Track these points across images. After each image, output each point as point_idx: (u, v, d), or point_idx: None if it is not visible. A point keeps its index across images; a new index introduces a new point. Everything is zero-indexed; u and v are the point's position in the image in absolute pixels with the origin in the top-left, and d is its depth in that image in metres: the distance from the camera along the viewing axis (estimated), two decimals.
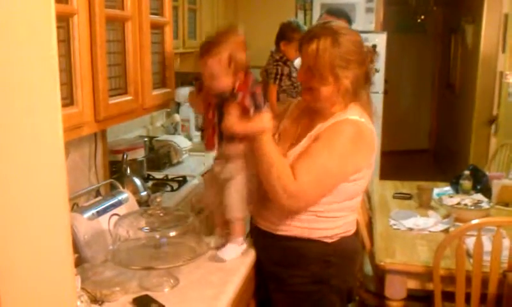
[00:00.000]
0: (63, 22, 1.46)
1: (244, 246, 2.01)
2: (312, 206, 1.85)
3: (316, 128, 1.87)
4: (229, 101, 1.83)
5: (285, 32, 3.37)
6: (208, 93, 1.89)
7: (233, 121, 1.82)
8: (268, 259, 2.00)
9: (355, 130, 1.83)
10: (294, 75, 3.25)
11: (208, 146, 1.94)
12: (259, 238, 2.02)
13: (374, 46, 1.93)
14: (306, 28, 3.30)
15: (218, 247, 1.99)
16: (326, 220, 1.88)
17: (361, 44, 1.87)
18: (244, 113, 1.82)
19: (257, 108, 1.83)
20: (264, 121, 1.82)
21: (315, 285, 1.92)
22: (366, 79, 1.90)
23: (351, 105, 1.87)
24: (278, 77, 3.21)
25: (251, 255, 2.01)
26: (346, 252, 1.96)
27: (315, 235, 1.89)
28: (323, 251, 1.90)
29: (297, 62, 3.38)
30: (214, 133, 1.90)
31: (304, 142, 1.88)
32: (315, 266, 1.91)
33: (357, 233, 2.05)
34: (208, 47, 1.83)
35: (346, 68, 1.81)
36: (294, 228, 1.89)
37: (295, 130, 1.98)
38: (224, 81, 1.83)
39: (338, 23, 1.93)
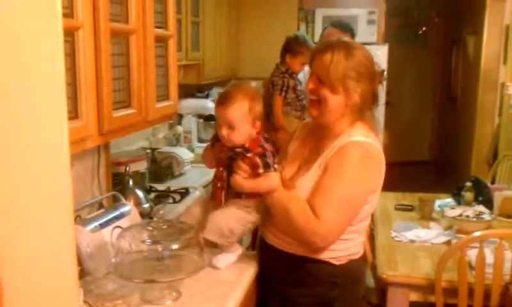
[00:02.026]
0: (68, 36, 1.48)
1: (239, 251, 2.02)
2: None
3: (323, 155, 1.85)
4: (239, 157, 1.85)
5: (291, 46, 3.38)
6: (221, 148, 1.91)
7: (242, 178, 1.84)
8: (273, 275, 1.99)
9: (362, 151, 1.82)
10: (299, 88, 3.26)
11: (216, 202, 1.95)
12: (265, 251, 2.01)
13: (383, 70, 1.93)
14: (311, 42, 3.31)
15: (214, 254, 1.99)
16: (339, 242, 1.86)
17: (372, 61, 1.89)
18: (254, 170, 1.83)
19: (266, 166, 1.82)
20: (271, 180, 1.83)
21: (318, 306, 1.90)
22: (373, 99, 1.89)
23: (357, 124, 1.86)
24: (284, 89, 3.22)
25: (253, 268, 2.01)
26: (352, 275, 1.94)
27: (324, 256, 1.87)
28: (330, 273, 1.88)
29: (302, 76, 3.39)
30: (222, 188, 1.92)
31: (314, 170, 1.86)
32: (322, 287, 1.89)
33: (363, 255, 2.04)
34: (230, 96, 1.86)
35: (357, 81, 1.81)
36: (304, 248, 1.86)
37: (302, 152, 1.99)
38: (242, 131, 1.85)
39: (350, 39, 1.97)
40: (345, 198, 1.80)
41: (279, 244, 1.93)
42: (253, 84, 1.98)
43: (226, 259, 1.98)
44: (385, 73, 1.95)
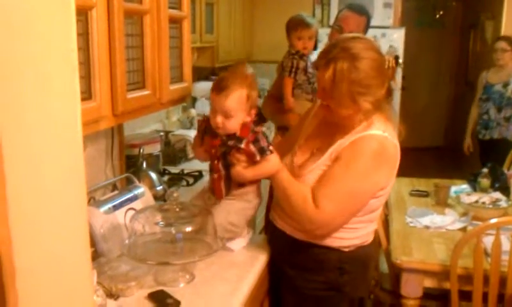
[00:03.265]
0: (82, 15, 1.46)
1: (250, 234, 2.04)
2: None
3: (336, 145, 1.80)
4: (234, 148, 1.83)
5: (286, 28, 3.34)
6: (211, 142, 1.89)
7: (241, 169, 1.83)
8: (283, 259, 1.98)
9: (378, 146, 1.76)
10: (310, 70, 3.22)
11: (217, 196, 1.95)
12: (275, 236, 2.00)
13: (397, 57, 1.86)
14: (302, 17, 3.24)
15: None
16: (348, 231, 1.84)
17: (382, 64, 1.77)
18: (250, 159, 1.82)
19: (262, 152, 1.81)
20: (271, 163, 1.82)
21: (327, 291, 1.89)
22: (387, 94, 1.81)
23: (375, 116, 1.79)
24: (293, 70, 3.18)
25: (266, 252, 2.01)
26: (361, 261, 1.92)
27: (334, 243, 1.85)
28: (339, 259, 1.87)
29: (314, 57, 3.35)
30: (220, 179, 1.91)
31: (324, 159, 1.82)
32: (330, 273, 1.88)
33: (374, 241, 2.01)
34: (227, 84, 1.82)
35: (365, 93, 1.72)
36: (314, 235, 1.85)
37: (316, 138, 1.94)
38: (238, 119, 1.82)
39: (359, 42, 1.77)
40: (350, 192, 1.77)
41: (288, 229, 1.92)
42: (250, 69, 1.92)
43: (239, 242, 1.99)
44: (400, 60, 1.89)
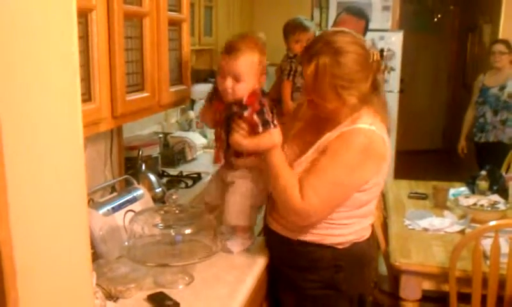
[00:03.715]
0: (82, 17, 1.46)
1: (250, 241, 2.02)
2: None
3: (324, 138, 1.81)
4: (237, 115, 1.80)
5: (283, 31, 3.35)
6: (217, 107, 1.87)
7: (241, 137, 1.80)
8: (279, 260, 1.98)
9: (365, 139, 1.76)
10: None
11: (215, 160, 1.94)
12: (270, 238, 2.00)
13: (382, 50, 1.85)
14: (300, 21, 3.25)
15: (227, 238, 1.99)
16: (338, 227, 1.84)
17: (366, 58, 1.75)
18: (252, 129, 1.79)
19: (266, 124, 1.78)
20: (272, 137, 1.79)
21: (325, 290, 1.89)
22: (374, 88, 1.81)
23: (363, 110, 1.79)
24: (292, 73, 3.19)
25: (265, 255, 2.00)
26: (357, 258, 1.92)
27: (327, 241, 1.85)
28: (334, 256, 1.86)
29: None
30: (220, 147, 1.89)
31: (311, 152, 1.82)
32: (326, 271, 1.88)
33: (371, 237, 2.00)
34: (240, 46, 1.78)
35: (349, 87, 1.72)
36: (306, 233, 1.85)
37: (304, 133, 1.93)
38: (248, 84, 1.79)
39: (343, 36, 1.77)
40: (333, 183, 1.75)
41: (281, 230, 1.92)
42: (262, 35, 1.87)
43: (239, 244, 1.98)
44: (384, 53, 1.87)
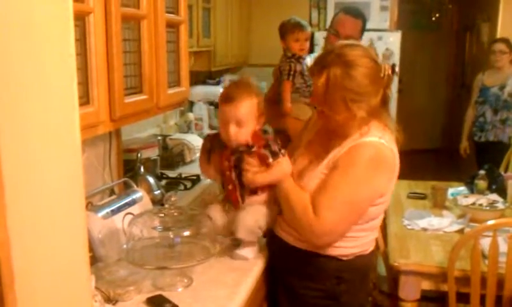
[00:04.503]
0: (79, 20, 1.46)
1: (256, 248, 2.01)
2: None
3: (333, 153, 1.80)
4: (245, 154, 1.83)
5: (279, 31, 3.35)
6: (221, 157, 1.89)
7: (253, 174, 1.83)
8: (282, 267, 1.98)
9: (374, 153, 1.76)
10: (307, 73, 3.23)
11: (235, 206, 1.94)
12: (275, 244, 1.99)
13: (394, 65, 1.85)
14: (297, 20, 3.26)
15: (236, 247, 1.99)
16: (347, 240, 1.83)
17: (377, 72, 1.76)
18: (263, 163, 1.83)
19: (274, 154, 1.82)
20: (283, 166, 1.83)
21: (325, 300, 1.89)
22: (383, 102, 1.81)
23: (372, 123, 1.79)
24: (292, 73, 3.19)
25: (264, 257, 2.01)
26: (360, 270, 1.92)
27: (334, 252, 1.84)
28: (336, 268, 1.86)
29: (308, 60, 3.36)
30: (235, 190, 1.90)
31: (321, 167, 1.82)
32: (328, 282, 1.87)
33: (374, 250, 2.01)
34: (237, 94, 1.83)
35: (359, 100, 1.72)
36: (315, 245, 1.84)
37: (315, 145, 1.94)
38: (249, 127, 1.83)
39: (355, 49, 1.78)
40: (348, 200, 1.76)
41: (286, 237, 1.92)
42: (254, 80, 1.94)
43: (250, 251, 1.99)
44: (397, 68, 1.87)
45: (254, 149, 1.83)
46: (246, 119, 1.82)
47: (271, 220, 1.95)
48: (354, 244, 1.86)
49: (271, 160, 1.81)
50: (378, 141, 1.76)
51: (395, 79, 5.22)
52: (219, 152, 1.91)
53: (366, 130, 1.78)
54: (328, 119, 1.81)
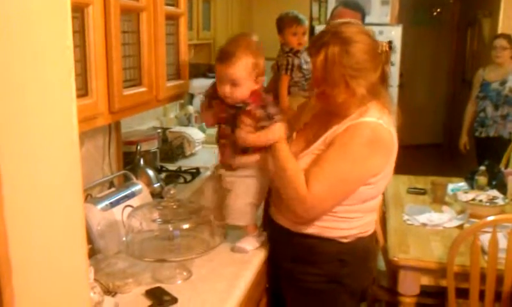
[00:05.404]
0: (78, 12, 1.45)
1: (262, 238, 2.02)
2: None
3: (331, 131, 1.82)
4: (241, 112, 1.81)
5: (277, 26, 3.34)
6: (220, 106, 1.87)
7: (246, 132, 1.82)
8: (283, 254, 1.98)
9: (371, 133, 1.77)
10: (305, 67, 3.22)
11: (224, 160, 1.94)
12: (275, 232, 2.00)
13: (390, 42, 1.85)
14: (295, 14, 3.25)
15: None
16: (343, 221, 1.85)
17: (375, 48, 1.78)
18: (257, 123, 1.81)
19: (269, 118, 1.80)
20: (277, 131, 1.81)
21: (328, 284, 1.90)
22: (382, 80, 1.82)
23: (371, 103, 1.80)
24: (290, 67, 3.19)
25: (264, 248, 2.01)
26: (361, 252, 1.93)
27: (331, 234, 1.86)
28: (338, 250, 1.87)
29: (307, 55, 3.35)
30: (227, 146, 1.90)
31: (318, 144, 1.84)
32: (330, 265, 1.89)
33: (374, 233, 2.02)
34: (232, 52, 1.81)
35: (358, 76, 1.73)
36: (311, 226, 1.86)
37: (311, 128, 1.95)
38: (245, 87, 1.81)
39: (351, 26, 1.80)
40: (340, 177, 1.77)
41: (286, 223, 1.93)
42: (255, 37, 1.89)
43: (250, 243, 1.98)
44: (392, 44, 1.87)
45: (249, 108, 1.81)
46: (240, 80, 1.81)
47: (259, 196, 1.95)
48: (350, 225, 1.87)
49: (265, 123, 1.80)
50: (376, 122, 1.77)
51: (396, 73, 5.22)
52: (219, 101, 1.89)
53: (365, 109, 1.79)
54: (327, 100, 1.82)
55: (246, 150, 1.88)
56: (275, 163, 1.84)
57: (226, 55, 1.82)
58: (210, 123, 2.00)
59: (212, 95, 1.92)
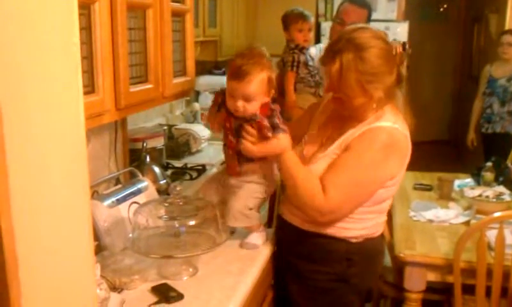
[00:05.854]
0: (85, 9, 1.46)
1: (264, 232, 2.02)
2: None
3: (347, 135, 1.81)
4: (247, 122, 1.80)
5: (283, 22, 3.33)
6: (226, 115, 1.86)
7: (251, 143, 1.80)
8: (291, 252, 1.98)
9: (388, 137, 1.77)
10: (311, 63, 3.22)
11: (231, 172, 1.94)
12: (284, 229, 2.00)
13: (404, 43, 1.85)
14: (300, 10, 3.25)
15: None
16: (355, 221, 1.84)
17: (389, 51, 1.77)
18: (261, 134, 1.79)
19: (275, 128, 1.78)
20: (281, 142, 1.79)
21: (335, 283, 1.90)
22: (398, 81, 1.81)
23: (386, 108, 1.80)
24: (295, 64, 3.19)
25: (270, 245, 2.01)
26: (369, 253, 1.93)
27: (342, 234, 1.86)
28: (346, 250, 1.87)
29: (314, 51, 3.35)
30: (234, 155, 1.89)
31: (334, 148, 1.83)
32: (338, 264, 1.88)
33: (383, 234, 2.02)
34: (248, 70, 1.77)
35: (374, 81, 1.73)
36: (322, 225, 1.85)
37: (326, 129, 1.94)
38: (258, 102, 1.80)
39: (364, 31, 1.78)
40: (357, 181, 1.77)
41: (295, 221, 1.93)
42: (265, 50, 1.88)
43: (258, 238, 1.99)
44: (407, 46, 1.86)
45: (257, 119, 1.79)
46: (254, 96, 1.79)
47: (262, 198, 1.95)
48: (362, 226, 1.87)
49: (269, 133, 1.78)
50: (392, 126, 1.78)
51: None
52: (225, 112, 1.87)
53: (380, 114, 1.79)
54: (344, 105, 1.81)
55: (251, 160, 1.88)
56: (283, 173, 1.85)
57: (241, 73, 1.78)
58: (216, 130, 1.99)
59: (220, 104, 1.91)
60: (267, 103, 1.83)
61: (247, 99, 1.79)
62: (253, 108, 1.80)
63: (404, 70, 1.85)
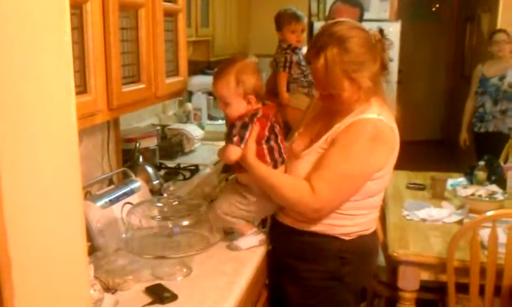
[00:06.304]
0: (76, 9, 1.45)
1: (261, 236, 2.01)
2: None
3: (334, 129, 1.82)
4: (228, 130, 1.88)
5: (276, 22, 3.34)
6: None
7: (222, 149, 1.89)
8: (284, 251, 1.98)
9: (373, 129, 1.78)
10: (303, 63, 3.22)
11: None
12: (277, 229, 2.01)
13: (381, 29, 1.86)
14: (293, 10, 3.25)
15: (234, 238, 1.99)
16: (346, 217, 1.85)
17: (370, 40, 1.79)
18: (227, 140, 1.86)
19: (228, 138, 1.84)
20: (230, 152, 1.84)
21: (329, 281, 1.90)
22: (382, 68, 1.83)
23: (372, 100, 1.81)
24: (287, 64, 3.19)
25: (265, 246, 2.01)
26: (363, 250, 1.93)
27: (334, 231, 1.86)
28: (340, 248, 1.88)
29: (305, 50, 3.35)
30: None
31: (321, 143, 1.84)
32: (332, 262, 1.89)
33: (375, 231, 2.02)
34: (219, 71, 1.88)
35: (361, 69, 1.75)
36: (314, 223, 1.86)
37: (315, 125, 1.96)
38: (234, 105, 1.85)
39: (342, 24, 1.81)
40: (344, 175, 1.78)
41: (287, 221, 1.93)
42: (254, 59, 1.94)
43: (247, 241, 1.98)
44: (384, 31, 1.88)
45: (233, 128, 1.85)
46: (226, 98, 1.85)
47: (246, 211, 1.96)
48: (354, 222, 1.87)
49: (234, 140, 1.82)
50: (377, 118, 1.79)
51: (395, 68, 5.21)
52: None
53: (366, 106, 1.80)
54: (334, 100, 1.82)
55: (240, 169, 1.90)
56: (262, 185, 1.88)
57: (215, 74, 1.89)
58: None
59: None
60: (244, 113, 1.85)
61: (223, 102, 1.86)
62: (231, 112, 1.87)
63: (387, 57, 1.86)
